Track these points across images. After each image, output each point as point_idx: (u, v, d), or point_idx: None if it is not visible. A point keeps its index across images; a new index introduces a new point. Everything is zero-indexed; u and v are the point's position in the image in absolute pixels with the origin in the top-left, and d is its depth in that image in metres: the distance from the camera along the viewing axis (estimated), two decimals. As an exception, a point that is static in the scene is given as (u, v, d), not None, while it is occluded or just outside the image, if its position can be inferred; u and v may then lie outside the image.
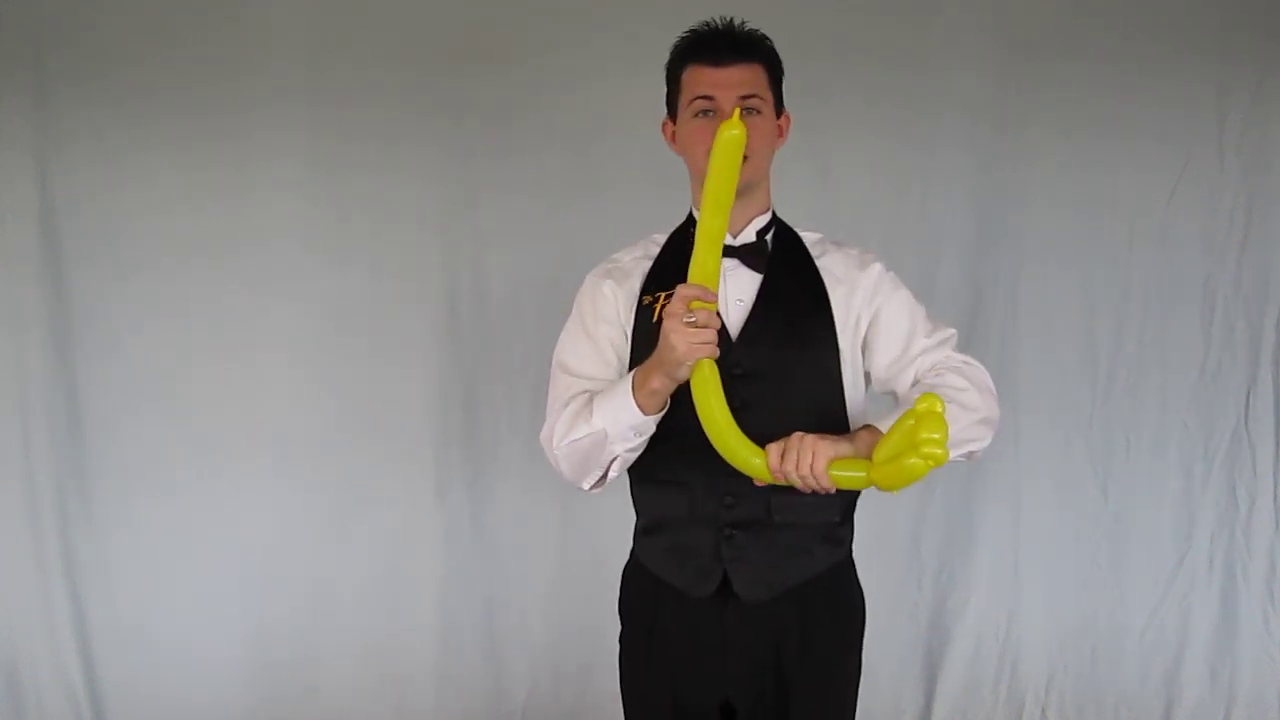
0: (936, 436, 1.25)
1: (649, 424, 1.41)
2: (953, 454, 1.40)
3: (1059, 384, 2.64)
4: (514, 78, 2.54)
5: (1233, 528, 2.66)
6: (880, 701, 2.68)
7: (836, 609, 1.57)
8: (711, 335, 1.31)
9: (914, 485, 1.32)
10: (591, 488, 1.51)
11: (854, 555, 1.64)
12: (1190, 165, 2.58)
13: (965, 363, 1.51)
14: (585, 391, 1.48)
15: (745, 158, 1.43)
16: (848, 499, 1.56)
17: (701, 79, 1.46)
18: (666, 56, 1.52)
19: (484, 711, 2.67)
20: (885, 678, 2.68)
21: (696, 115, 1.47)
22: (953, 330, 1.55)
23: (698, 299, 1.31)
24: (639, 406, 1.39)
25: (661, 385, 1.37)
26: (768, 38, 1.50)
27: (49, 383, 2.56)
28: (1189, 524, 2.66)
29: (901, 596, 2.68)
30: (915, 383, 1.50)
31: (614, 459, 1.45)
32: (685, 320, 1.30)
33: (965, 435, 1.44)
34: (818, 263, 1.55)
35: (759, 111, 1.47)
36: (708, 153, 1.41)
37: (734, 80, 1.45)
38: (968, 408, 1.44)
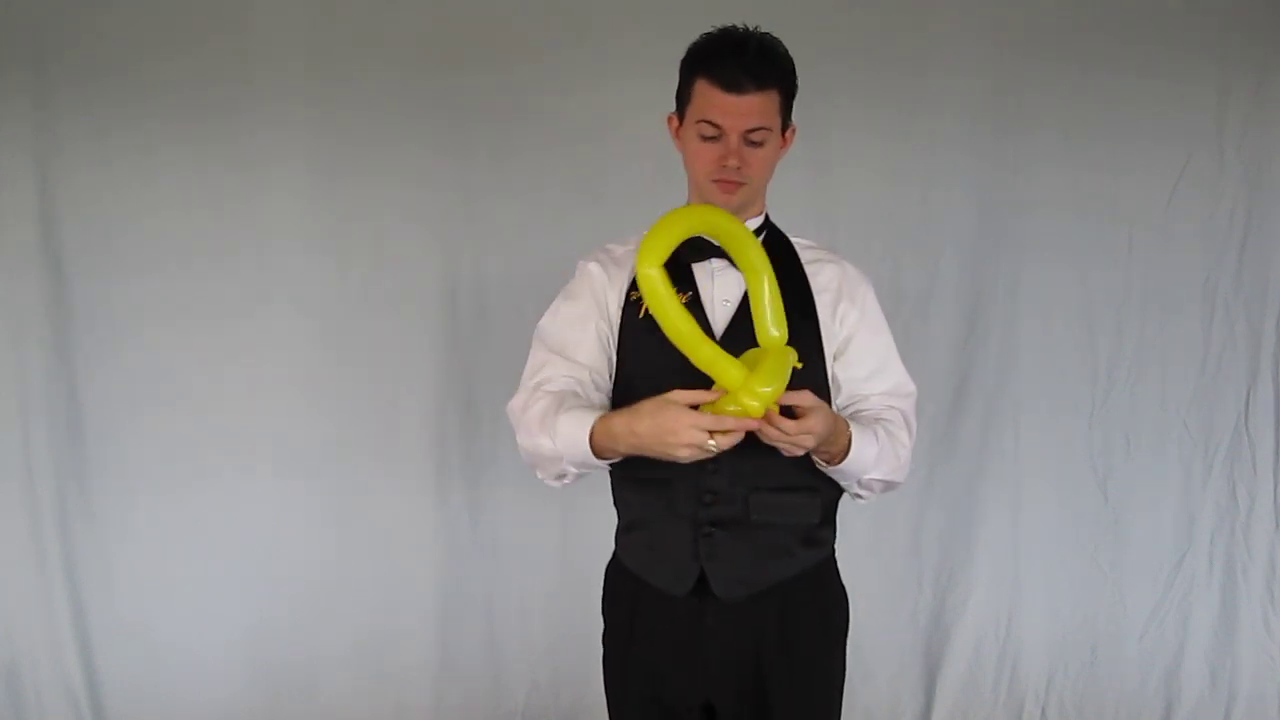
0: (768, 390, 1.24)
1: (602, 465, 1.42)
2: (854, 489, 1.51)
3: (1059, 384, 2.64)
4: (514, 80, 2.54)
5: (1233, 528, 2.66)
6: (880, 701, 2.68)
7: (817, 609, 1.57)
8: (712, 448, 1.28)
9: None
10: (551, 482, 1.52)
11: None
12: (1190, 166, 2.58)
13: (910, 425, 1.55)
14: (554, 392, 1.47)
15: (740, 185, 1.47)
16: (829, 501, 1.56)
17: (713, 103, 1.44)
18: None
19: (483, 711, 2.67)
20: (885, 678, 2.69)
21: (702, 138, 1.46)
22: (914, 389, 1.59)
23: (728, 432, 1.27)
24: (594, 453, 1.38)
25: (625, 453, 1.36)
26: (785, 55, 1.47)
27: (49, 383, 2.56)
28: (1189, 524, 2.66)
29: (901, 596, 2.69)
30: (866, 406, 1.54)
31: (568, 475, 1.47)
32: (705, 446, 1.27)
33: (874, 485, 1.50)
34: (806, 269, 1.55)
35: (761, 144, 1.46)
36: (707, 175, 1.47)
37: (744, 110, 1.43)
38: (900, 464, 1.50)
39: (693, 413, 1.27)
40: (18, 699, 2.61)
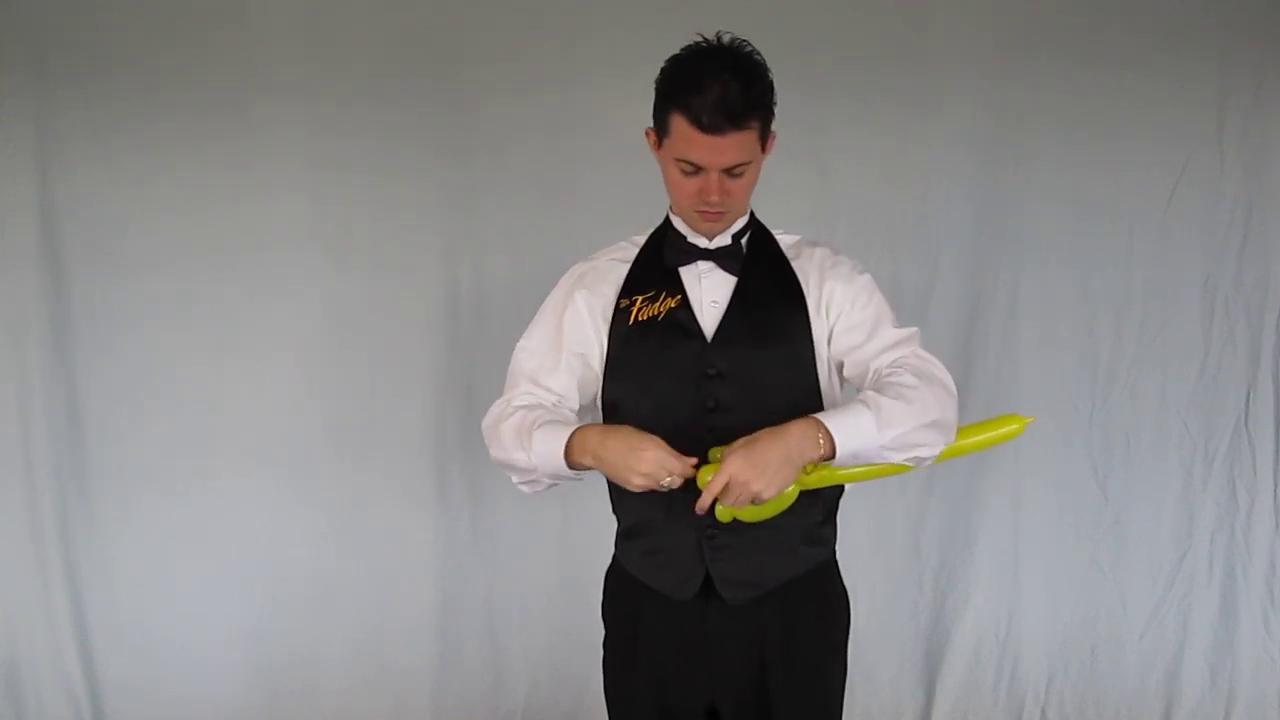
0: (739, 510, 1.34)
1: (575, 476, 1.45)
2: (899, 458, 1.40)
3: (1059, 384, 2.64)
4: (514, 78, 2.54)
5: (1233, 528, 2.66)
6: (880, 701, 2.68)
7: (820, 609, 1.56)
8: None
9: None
10: (523, 487, 1.55)
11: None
12: (1190, 165, 2.58)
13: (923, 359, 1.47)
14: (527, 407, 1.50)
15: (724, 213, 1.47)
16: (830, 499, 1.56)
17: (691, 143, 1.38)
18: (667, 54, 1.51)
19: (483, 711, 2.67)
20: (885, 678, 2.69)
21: (683, 173, 1.43)
22: (915, 328, 1.53)
23: (677, 475, 1.35)
24: (568, 465, 1.42)
25: (589, 465, 1.41)
26: (764, 81, 1.40)
27: (49, 383, 2.56)
28: (1189, 524, 2.66)
29: (901, 596, 2.69)
30: (874, 374, 1.48)
31: (541, 484, 1.50)
32: (660, 482, 1.34)
33: (911, 439, 1.38)
34: (793, 264, 1.54)
35: (742, 175, 1.44)
36: (690, 205, 1.46)
37: (724, 149, 1.39)
38: (914, 404, 1.37)
39: (666, 448, 1.34)
40: (18, 699, 2.61)
